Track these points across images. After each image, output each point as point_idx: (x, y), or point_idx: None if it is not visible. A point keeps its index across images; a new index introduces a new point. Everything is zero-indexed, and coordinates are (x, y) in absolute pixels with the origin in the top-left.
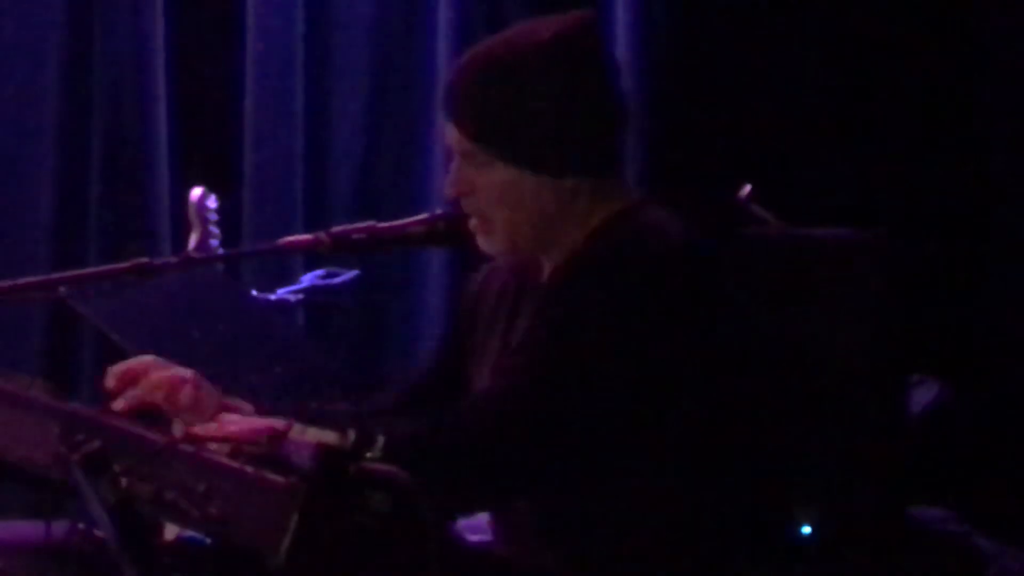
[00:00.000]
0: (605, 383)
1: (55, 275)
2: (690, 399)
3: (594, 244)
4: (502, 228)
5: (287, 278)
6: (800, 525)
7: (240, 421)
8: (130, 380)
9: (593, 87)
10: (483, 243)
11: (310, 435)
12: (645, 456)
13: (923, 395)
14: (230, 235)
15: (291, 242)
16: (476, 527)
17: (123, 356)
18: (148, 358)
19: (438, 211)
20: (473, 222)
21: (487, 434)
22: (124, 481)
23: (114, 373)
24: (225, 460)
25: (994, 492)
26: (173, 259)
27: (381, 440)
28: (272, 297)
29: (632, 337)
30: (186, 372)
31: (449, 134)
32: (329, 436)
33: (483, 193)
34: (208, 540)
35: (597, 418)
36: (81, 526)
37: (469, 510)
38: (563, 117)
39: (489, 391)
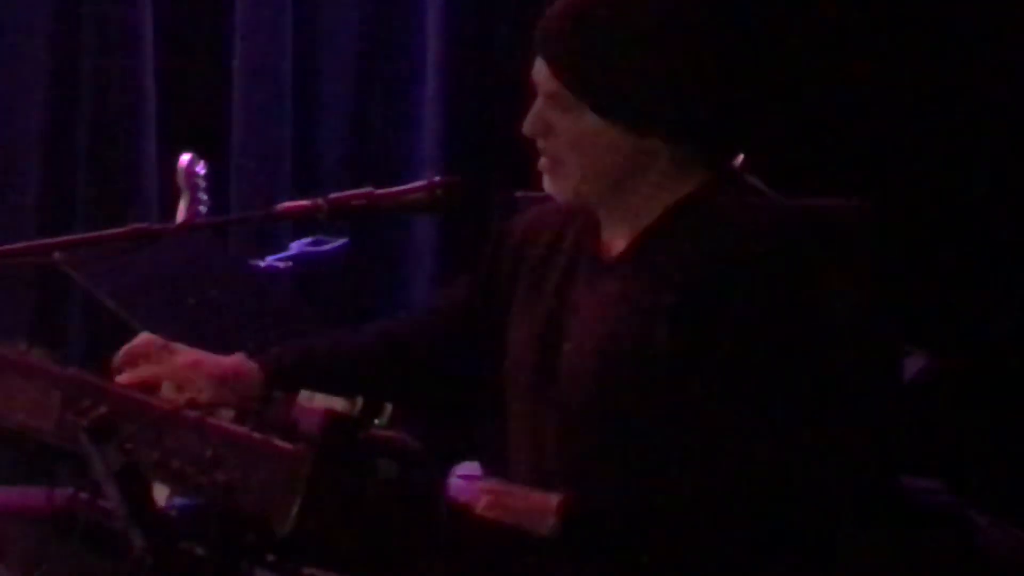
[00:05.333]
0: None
1: (50, 240)
2: None
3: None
4: (573, 174)
5: (276, 246)
6: None
7: None
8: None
9: (701, 54)
10: (548, 185)
11: (318, 401)
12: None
13: (910, 367)
14: (218, 202)
15: (288, 208)
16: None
17: (114, 323)
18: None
19: (436, 178)
20: (542, 162)
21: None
22: (129, 448)
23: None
24: (231, 426)
25: (980, 463)
26: (171, 225)
27: (389, 408)
28: (261, 264)
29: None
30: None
31: (538, 71)
32: (337, 403)
33: (562, 137)
34: (199, 505)
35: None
36: (83, 494)
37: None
38: (664, 78)
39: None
